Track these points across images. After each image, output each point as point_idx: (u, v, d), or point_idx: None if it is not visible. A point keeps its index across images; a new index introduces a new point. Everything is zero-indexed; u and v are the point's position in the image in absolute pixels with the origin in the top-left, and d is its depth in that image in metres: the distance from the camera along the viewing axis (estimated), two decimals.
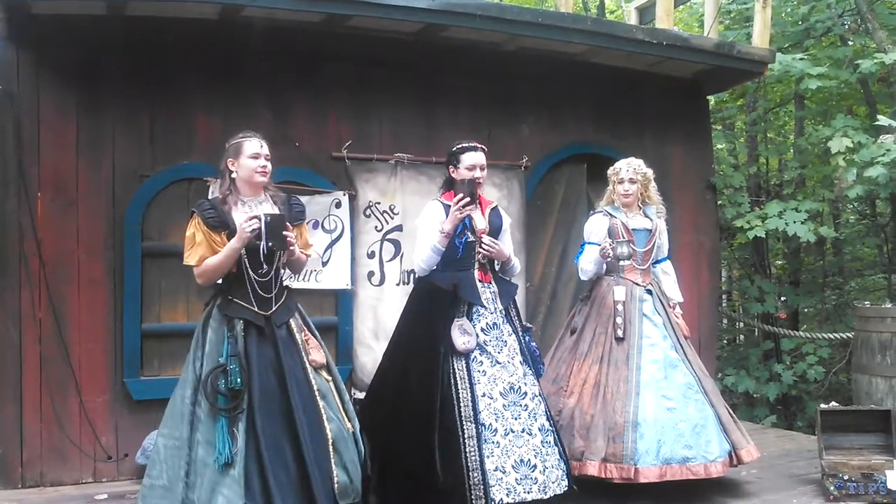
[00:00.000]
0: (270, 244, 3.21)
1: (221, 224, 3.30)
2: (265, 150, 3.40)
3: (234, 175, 3.36)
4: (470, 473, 3.49)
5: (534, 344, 3.95)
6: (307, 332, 3.50)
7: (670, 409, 4.14)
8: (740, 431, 4.36)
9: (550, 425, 3.79)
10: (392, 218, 5.38)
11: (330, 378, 3.49)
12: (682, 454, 4.06)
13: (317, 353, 3.46)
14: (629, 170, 4.50)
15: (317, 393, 3.36)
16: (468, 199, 3.62)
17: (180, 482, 3.11)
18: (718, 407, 4.33)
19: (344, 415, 3.45)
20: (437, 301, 3.75)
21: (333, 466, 3.27)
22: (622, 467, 4.00)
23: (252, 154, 3.35)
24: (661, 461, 4.03)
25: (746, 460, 4.29)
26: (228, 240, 3.27)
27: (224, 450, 3.11)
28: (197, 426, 3.18)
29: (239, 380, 3.16)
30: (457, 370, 3.64)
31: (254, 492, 3.08)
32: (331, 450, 3.29)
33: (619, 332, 4.29)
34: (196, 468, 3.13)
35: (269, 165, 3.41)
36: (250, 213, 3.34)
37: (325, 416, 3.33)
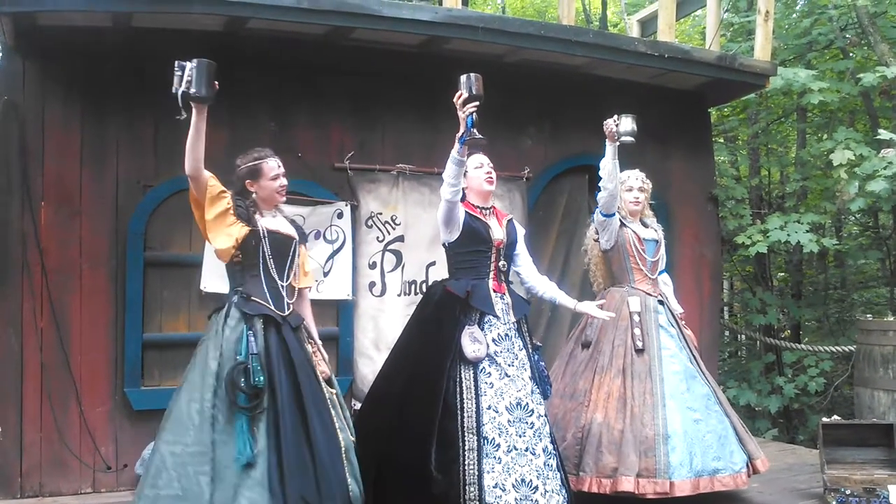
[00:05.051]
0: (193, 91, 3.00)
1: (241, 215, 3.30)
2: (281, 167, 3.45)
3: (254, 196, 3.41)
4: (466, 487, 3.41)
5: (542, 364, 3.87)
6: (314, 345, 3.52)
7: (696, 420, 4.12)
8: (753, 442, 4.37)
9: (554, 448, 3.71)
10: (394, 228, 5.38)
11: (334, 391, 3.50)
12: (713, 466, 4.05)
13: (324, 365, 3.49)
14: (636, 179, 4.50)
15: (329, 401, 3.36)
16: (467, 95, 3.37)
17: (205, 487, 3.00)
18: (733, 417, 4.35)
19: (348, 427, 3.45)
20: (447, 308, 3.70)
21: (347, 475, 3.26)
22: (657, 482, 3.93)
23: (273, 175, 3.42)
24: (693, 474, 3.99)
25: (762, 470, 4.30)
26: (238, 225, 3.29)
27: (245, 450, 3.04)
28: (216, 427, 3.09)
29: (262, 377, 3.12)
30: (463, 379, 3.57)
31: (275, 493, 3.03)
32: (344, 458, 3.28)
33: (639, 344, 4.23)
34: (218, 470, 3.04)
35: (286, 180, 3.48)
36: (267, 221, 3.40)
37: (337, 426, 3.32)
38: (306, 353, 3.40)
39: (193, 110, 3.07)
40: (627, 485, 3.93)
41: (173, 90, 3.02)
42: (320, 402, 3.31)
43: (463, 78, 3.39)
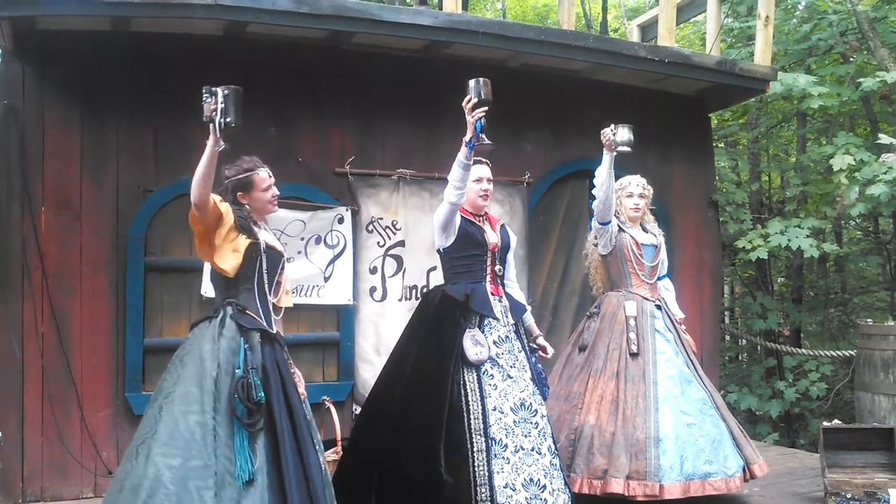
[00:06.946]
0: (227, 119, 2.89)
1: (243, 227, 3.22)
2: (271, 176, 3.36)
3: (246, 207, 3.30)
4: (478, 488, 3.43)
5: (539, 366, 3.91)
6: (293, 366, 3.41)
7: (689, 424, 4.14)
8: (751, 446, 4.37)
9: (556, 448, 3.75)
10: (394, 233, 5.39)
11: (309, 413, 3.41)
12: (704, 469, 4.07)
13: (301, 386, 3.37)
14: (637, 184, 4.51)
15: (312, 421, 3.30)
16: (476, 100, 3.38)
17: (209, 502, 2.87)
18: (730, 422, 4.35)
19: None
20: (447, 311, 3.71)
21: (330, 497, 3.20)
22: (646, 484, 3.97)
23: (265, 187, 3.32)
24: (684, 477, 4.02)
25: (759, 475, 4.30)
26: (241, 238, 3.20)
27: (246, 466, 2.97)
28: (217, 441, 2.98)
29: (262, 393, 3.04)
30: (467, 381, 3.59)
31: None
32: (329, 478, 3.25)
33: (634, 348, 4.26)
34: (220, 486, 2.93)
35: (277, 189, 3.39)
36: (264, 234, 3.32)
37: (317, 447, 3.26)
38: (292, 371, 3.33)
39: (212, 137, 2.96)
40: (617, 486, 3.98)
41: (204, 118, 2.90)
42: (308, 421, 3.26)
43: (472, 83, 3.39)
